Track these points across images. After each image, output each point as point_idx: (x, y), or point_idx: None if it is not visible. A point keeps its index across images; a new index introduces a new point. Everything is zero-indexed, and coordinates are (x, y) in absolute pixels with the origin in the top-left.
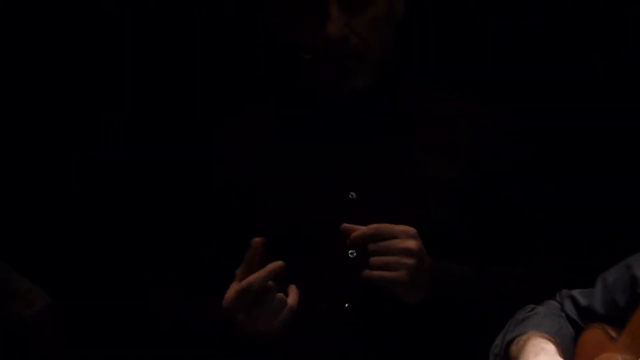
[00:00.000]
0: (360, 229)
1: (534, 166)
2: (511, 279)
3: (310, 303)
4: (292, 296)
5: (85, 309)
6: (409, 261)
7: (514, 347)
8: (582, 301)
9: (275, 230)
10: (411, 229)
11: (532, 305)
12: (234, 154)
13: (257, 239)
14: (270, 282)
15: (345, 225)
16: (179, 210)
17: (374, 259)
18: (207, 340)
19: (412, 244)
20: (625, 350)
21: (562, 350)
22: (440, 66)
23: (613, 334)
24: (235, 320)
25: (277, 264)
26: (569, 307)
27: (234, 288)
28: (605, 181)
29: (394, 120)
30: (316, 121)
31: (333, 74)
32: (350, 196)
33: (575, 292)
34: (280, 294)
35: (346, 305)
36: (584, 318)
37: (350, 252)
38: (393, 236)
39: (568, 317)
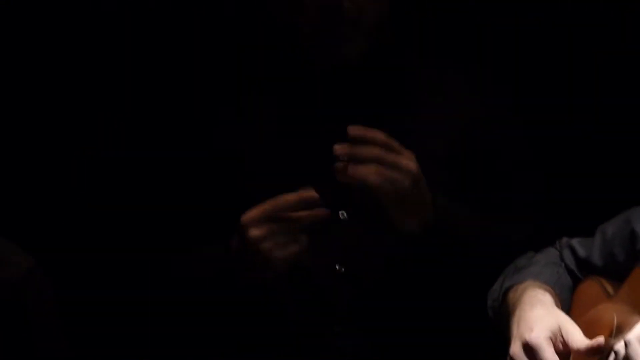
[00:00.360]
0: (372, 132)
1: (523, 141)
2: (506, 226)
3: (302, 267)
4: (303, 236)
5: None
6: (405, 180)
7: (511, 295)
8: (581, 252)
9: (266, 195)
10: (413, 156)
11: (532, 253)
12: (228, 122)
13: (314, 195)
14: (298, 212)
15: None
16: (169, 176)
17: (372, 166)
18: (213, 277)
19: (412, 165)
20: (619, 308)
21: (560, 300)
22: (439, 36)
23: (610, 289)
24: (247, 235)
25: (310, 193)
26: (567, 257)
27: (259, 206)
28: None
29: (387, 90)
30: (308, 90)
31: (327, 40)
32: (340, 159)
33: (575, 242)
34: (295, 229)
35: (337, 267)
36: (582, 269)
37: (340, 212)
38: (399, 152)
39: (567, 266)
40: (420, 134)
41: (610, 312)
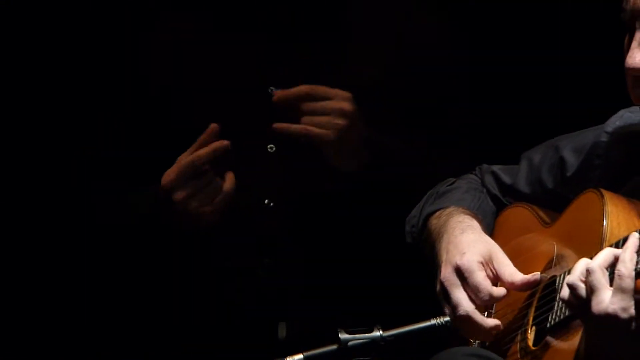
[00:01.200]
0: (294, 89)
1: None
2: (435, 155)
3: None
4: (229, 181)
5: None
6: (341, 121)
7: (434, 221)
8: (505, 178)
9: (195, 123)
10: (346, 93)
11: (452, 179)
12: (159, 41)
13: (214, 125)
14: (209, 163)
15: (279, 91)
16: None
17: (305, 118)
18: (144, 223)
19: (346, 105)
20: (557, 238)
21: (485, 225)
22: None
23: (545, 217)
24: (172, 197)
25: (221, 143)
26: (490, 182)
27: (175, 166)
28: None
29: (321, 16)
30: (243, 12)
31: None
32: (269, 91)
33: (496, 168)
34: (217, 178)
35: (266, 201)
36: (507, 195)
37: (269, 146)
38: (327, 97)
39: (489, 192)
40: (351, 60)
41: (549, 241)
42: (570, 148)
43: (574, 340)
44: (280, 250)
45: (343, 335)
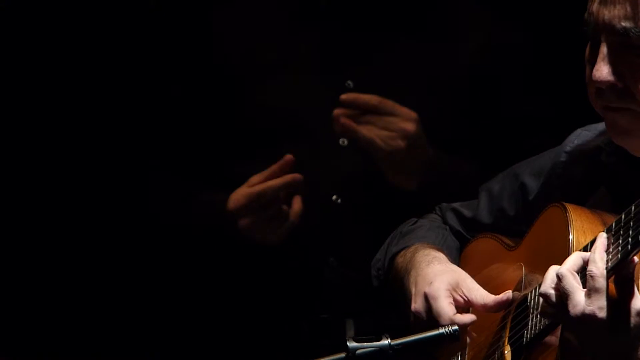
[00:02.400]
0: (364, 97)
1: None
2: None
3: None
4: (295, 209)
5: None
6: (401, 143)
7: (400, 260)
8: (466, 213)
9: (268, 113)
10: (413, 113)
11: (414, 219)
12: (234, 34)
13: (289, 156)
14: (281, 193)
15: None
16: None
17: (371, 128)
18: (202, 234)
19: (409, 126)
20: (524, 258)
21: (450, 260)
22: None
23: (509, 242)
24: (236, 223)
25: (294, 177)
26: (451, 218)
27: (244, 191)
28: None
29: (398, 13)
30: (320, 7)
31: None
32: (347, 85)
33: (456, 205)
34: (285, 207)
35: (334, 197)
36: (470, 229)
37: (341, 140)
38: (395, 114)
39: (451, 228)
40: (430, 58)
41: (516, 262)
42: (530, 173)
43: (552, 353)
44: (346, 249)
45: (351, 344)
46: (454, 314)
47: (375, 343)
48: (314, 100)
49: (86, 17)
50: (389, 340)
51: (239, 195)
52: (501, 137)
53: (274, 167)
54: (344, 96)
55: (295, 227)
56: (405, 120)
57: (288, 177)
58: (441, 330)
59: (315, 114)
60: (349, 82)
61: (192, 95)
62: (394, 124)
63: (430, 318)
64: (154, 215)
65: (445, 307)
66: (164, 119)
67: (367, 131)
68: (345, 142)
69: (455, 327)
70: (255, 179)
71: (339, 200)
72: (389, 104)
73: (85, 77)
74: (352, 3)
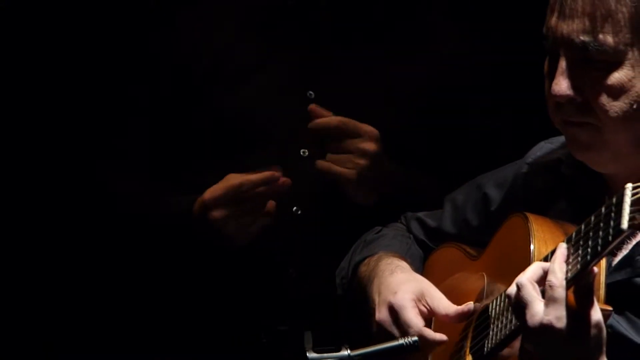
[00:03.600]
0: (327, 118)
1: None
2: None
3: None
4: (269, 211)
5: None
6: (362, 162)
7: (363, 268)
8: (431, 222)
9: (229, 121)
10: (375, 131)
11: (378, 227)
12: (197, 40)
13: (277, 173)
14: (258, 192)
15: (314, 106)
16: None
17: (330, 155)
18: (167, 236)
19: (370, 145)
20: (486, 268)
21: (414, 269)
22: None
23: (473, 252)
24: (210, 214)
25: (273, 174)
26: (416, 228)
27: (222, 183)
28: None
29: (361, 24)
30: (284, 17)
31: None
32: (308, 95)
33: (421, 214)
34: (259, 206)
35: (294, 208)
36: (434, 239)
37: (302, 150)
38: (356, 134)
39: (415, 238)
40: (391, 70)
41: (479, 272)
42: (493, 184)
43: None
44: (306, 260)
45: (311, 355)
46: (424, 326)
47: (334, 354)
48: (275, 110)
49: (51, 17)
50: (349, 351)
51: (217, 187)
52: (462, 150)
53: (258, 172)
54: (310, 125)
55: (258, 236)
56: (367, 140)
57: (267, 173)
58: (401, 341)
59: (276, 124)
60: (310, 92)
61: (154, 99)
62: (355, 145)
63: (396, 327)
64: (119, 214)
65: (414, 318)
66: (128, 120)
67: (328, 158)
68: (306, 153)
69: (415, 338)
70: (233, 175)
71: (299, 212)
72: (351, 124)
73: (53, 77)
74: (314, 13)
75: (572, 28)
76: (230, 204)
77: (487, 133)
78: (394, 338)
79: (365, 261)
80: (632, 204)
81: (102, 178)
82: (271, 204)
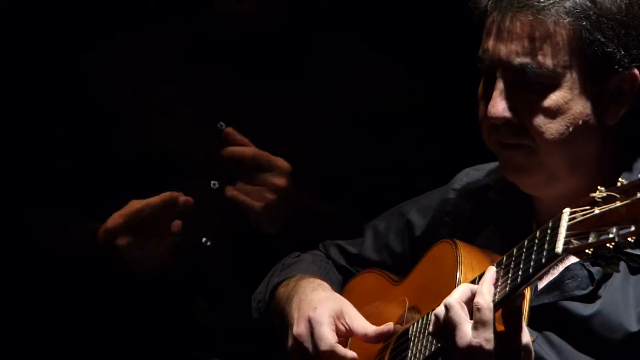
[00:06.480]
0: (242, 147)
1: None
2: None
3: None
4: (175, 233)
5: None
6: (271, 196)
7: (282, 289)
8: (351, 249)
9: (140, 150)
10: (287, 166)
11: (297, 253)
12: (108, 70)
13: (180, 198)
14: (160, 215)
15: (229, 130)
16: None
17: (240, 185)
18: (77, 257)
19: (280, 181)
20: (408, 292)
21: (334, 290)
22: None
23: (395, 277)
24: (115, 241)
25: (173, 194)
26: (335, 254)
27: (124, 210)
28: None
29: (274, 56)
30: (199, 46)
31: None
32: (219, 126)
33: (341, 242)
34: (165, 229)
35: (203, 240)
36: (355, 264)
37: (212, 182)
38: (269, 166)
39: (335, 263)
40: (307, 104)
41: (400, 297)
42: (416, 210)
43: None
44: (216, 292)
45: None
46: (335, 342)
47: None
48: (185, 141)
49: None
50: None
51: (118, 214)
52: (376, 180)
53: (158, 196)
54: (225, 152)
55: (166, 266)
56: (279, 175)
57: (167, 194)
58: None
59: (186, 155)
60: (221, 123)
61: (67, 130)
62: (267, 179)
63: (312, 342)
64: (27, 242)
65: (327, 333)
66: (39, 150)
67: (237, 187)
68: (216, 185)
69: None
70: (135, 201)
71: (208, 243)
72: (265, 157)
73: None
74: (226, 44)
75: (511, 50)
76: (133, 229)
77: (400, 163)
78: (306, 354)
79: (284, 283)
80: (569, 228)
81: (8, 207)
82: (176, 224)
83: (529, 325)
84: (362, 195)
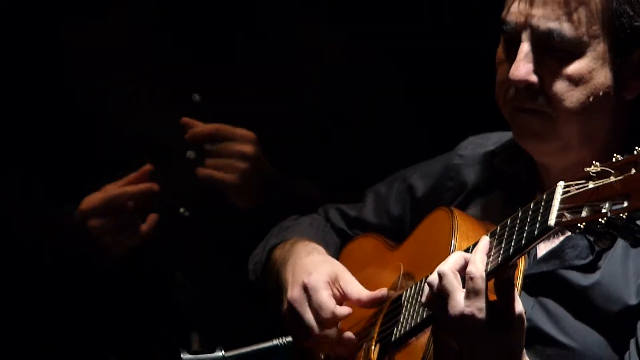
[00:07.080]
0: (200, 126)
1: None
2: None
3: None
4: (148, 225)
5: None
6: (242, 165)
7: (278, 252)
8: (351, 212)
9: (115, 127)
10: (250, 134)
11: (296, 215)
12: (84, 53)
13: (148, 166)
14: (132, 201)
15: (186, 119)
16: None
17: (209, 160)
18: (52, 241)
19: (248, 148)
20: (404, 258)
21: (329, 254)
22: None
23: (392, 242)
24: (88, 223)
25: (152, 187)
26: (335, 217)
27: (98, 194)
28: None
29: (246, 29)
30: (169, 25)
31: None
32: (193, 98)
33: (341, 205)
34: (138, 219)
35: (181, 210)
36: (353, 227)
37: (188, 153)
38: (232, 138)
39: (333, 226)
40: (278, 76)
41: (396, 262)
42: (419, 175)
43: (418, 350)
44: (193, 263)
45: (185, 356)
46: (335, 307)
47: (208, 355)
48: (160, 114)
49: None
50: (223, 352)
51: (93, 197)
52: (346, 157)
53: (130, 176)
54: (187, 136)
55: (142, 241)
56: (243, 142)
57: (143, 186)
58: (275, 342)
59: (162, 127)
60: (196, 95)
61: (43, 114)
62: (231, 148)
63: (309, 307)
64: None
65: (326, 299)
66: (15, 136)
67: (208, 164)
68: (193, 155)
69: (289, 339)
70: (110, 186)
71: (186, 213)
72: (226, 129)
73: None
74: (200, 16)
75: (541, 13)
76: (109, 214)
77: (374, 138)
78: (301, 319)
79: (280, 245)
80: (562, 201)
81: None
82: (151, 219)
83: (527, 292)
84: (335, 171)
